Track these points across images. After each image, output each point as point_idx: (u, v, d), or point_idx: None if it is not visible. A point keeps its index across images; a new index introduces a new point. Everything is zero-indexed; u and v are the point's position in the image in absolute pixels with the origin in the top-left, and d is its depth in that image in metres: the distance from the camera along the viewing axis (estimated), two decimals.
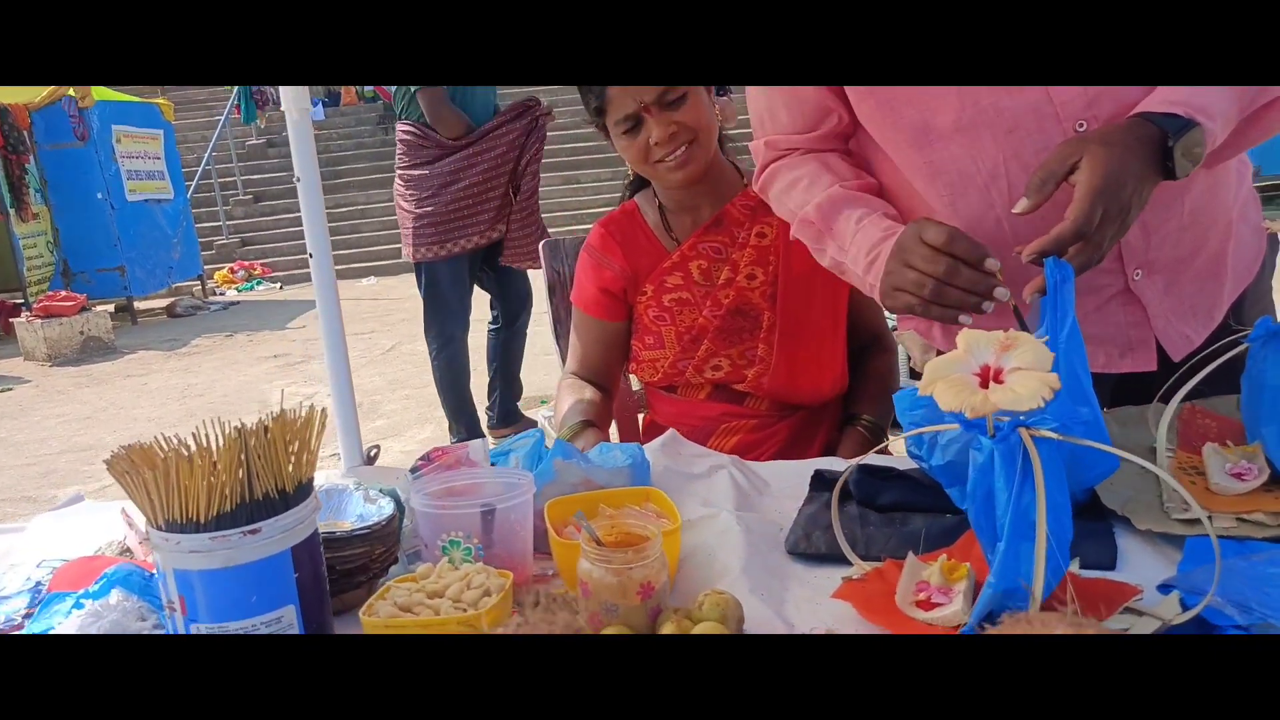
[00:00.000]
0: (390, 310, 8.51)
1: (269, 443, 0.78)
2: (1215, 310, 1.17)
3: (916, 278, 1.01)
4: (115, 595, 0.86)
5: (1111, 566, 0.90)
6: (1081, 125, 1.05)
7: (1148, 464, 0.78)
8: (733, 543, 0.99)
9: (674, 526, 0.95)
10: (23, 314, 7.38)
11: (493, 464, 1.08)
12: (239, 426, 0.76)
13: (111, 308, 8.89)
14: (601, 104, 1.41)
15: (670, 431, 1.31)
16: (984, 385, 0.74)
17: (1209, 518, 0.95)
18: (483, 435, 3.86)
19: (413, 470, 1.02)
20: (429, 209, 3.41)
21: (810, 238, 1.22)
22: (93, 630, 0.80)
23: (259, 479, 0.77)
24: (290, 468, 0.80)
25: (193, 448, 0.75)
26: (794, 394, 1.48)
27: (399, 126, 3.50)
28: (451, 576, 0.84)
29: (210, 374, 6.63)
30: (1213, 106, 0.95)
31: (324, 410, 0.84)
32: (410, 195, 3.46)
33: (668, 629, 0.80)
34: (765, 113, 1.28)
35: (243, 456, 0.76)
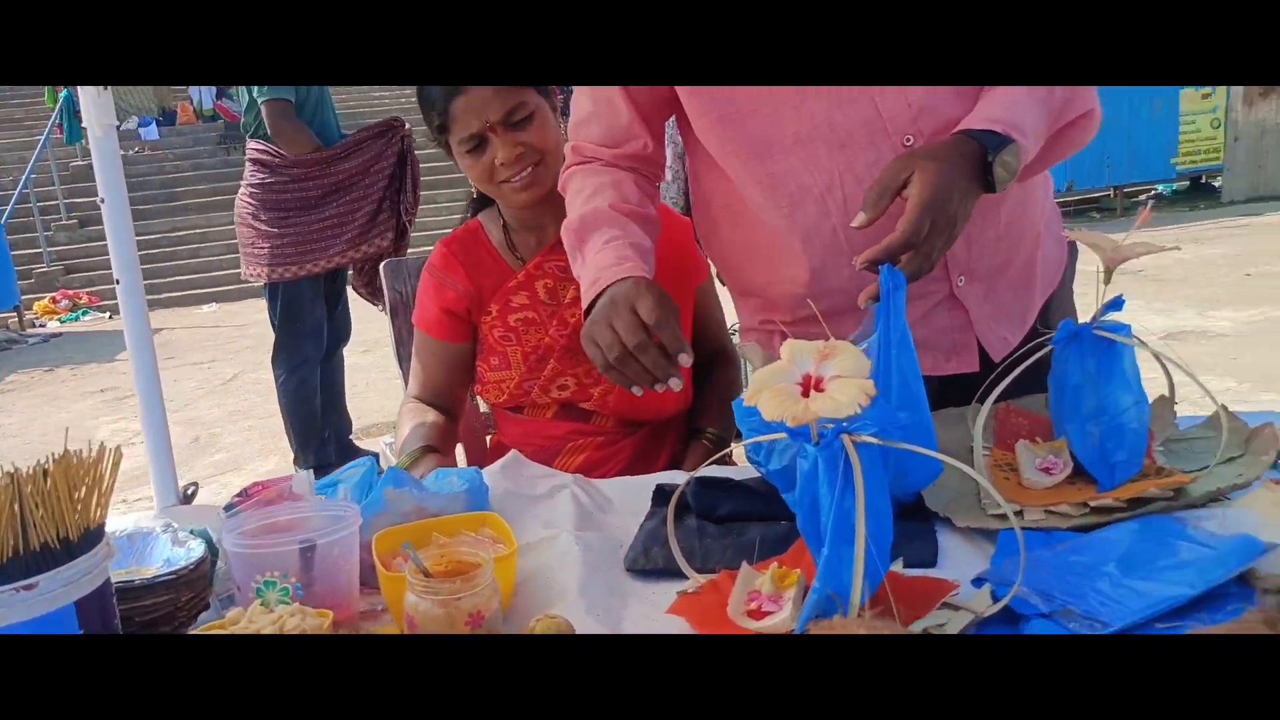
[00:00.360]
0: (232, 338, 8.09)
1: (49, 488, 0.71)
2: (1028, 314, 1.26)
3: (610, 340, 1.03)
4: None
5: (933, 564, 0.94)
6: (909, 140, 1.11)
7: (960, 464, 0.81)
8: (571, 563, 0.97)
9: (509, 551, 0.93)
10: None
11: (319, 496, 1.03)
12: (10, 472, 0.69)
13: None
14: (445, 122, 1.38)
15: (512, 453, 1.29)
16: (806, 394, 0.75)
17: (1018, 512, 1.00)
18: (331, 464, 3.71)
19: (227, 507, 0.96)
20: (293, 228, 3.32)
21: (568, 247, 1.23)
22: None
23: (36, 528, 0.69)
24: (76, 514, 0.73)
25: None
26: (639, 411, 1.48)
27: (251, 145, 3.40)
28: (263, 620, 0.78)
29: (26, 412, 6.11)
30: (1025, 124, 1.02)
31: (117, 448, 0.77)
32: (266, 215, 3.35)
33: None
34: (581, 118, 1.28)
35: (16, 506, 0.68)
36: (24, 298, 9.47)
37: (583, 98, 1.28)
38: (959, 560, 0.95)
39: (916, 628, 0.80)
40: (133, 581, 0.83)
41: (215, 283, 10.13)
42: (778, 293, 1.27)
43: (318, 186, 3.34)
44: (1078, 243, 1.25)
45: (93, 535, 0.74)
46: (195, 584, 0.88)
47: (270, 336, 3.63)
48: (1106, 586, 0.80)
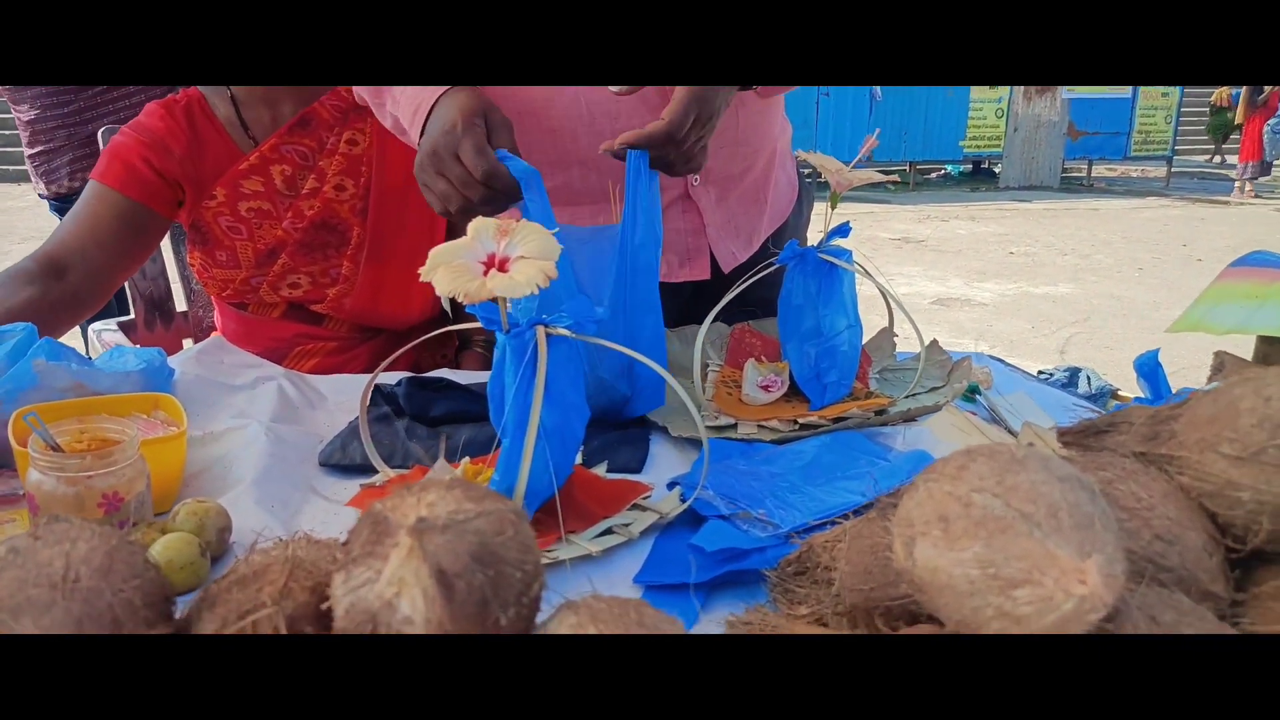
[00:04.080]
0: None
1: None
2: (755, 236, 1.28)
3: (446, 190, 0.95)
4: None
5: (638, 470, 0.93)
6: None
7: (662, 371, 0.80)
8: (255, 454, 0.89)
9: (177, 433, 0.83)
10: None
11: None
12: None
13: None
14: None
15: (213, 337, 1.17)
16: (487, 273, 0.71)
17: (733, 425, 1.01)
18: None
19: None
20: None
21: (371, 94, 1.13)
22: None
23: None
24: None
25: None
26: (377, 317, 1.39)
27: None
28: None
29: None
30: None
31: None
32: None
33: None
34: None
35: None
36: None
37: None
38: (666, 467, 0.94)
39: (603, 525, 0.78)
40: None
41: None
42: None
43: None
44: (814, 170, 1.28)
45: None
46: None
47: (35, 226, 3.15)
48: (786, 492, 0.81)
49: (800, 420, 1.01)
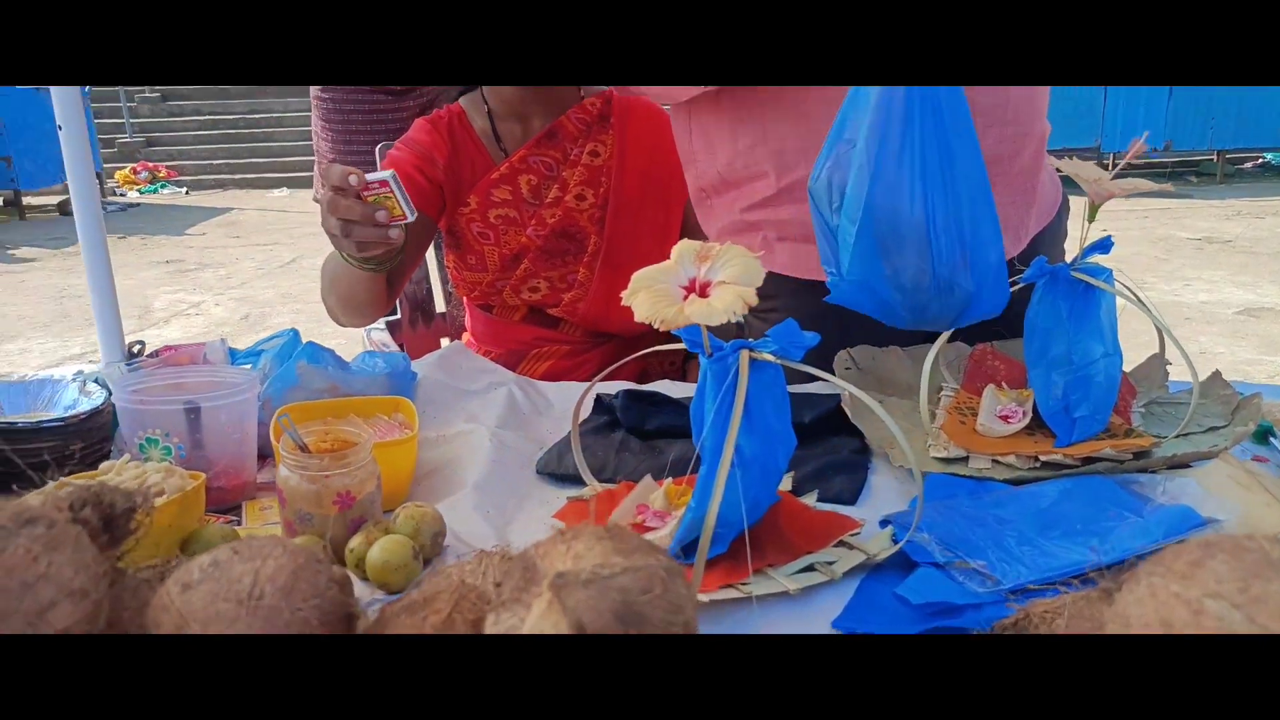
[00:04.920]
0: (299, 223, 8.22)
1: None
2: (1023, 232, 1.16)
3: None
4: None
5: (851, 502, 0.88)
6: None
7: (868, 400, 0.74)
8: (480, 459, 0.94)
9: (409, 437, 0.90)
10: None
11: (237, 363, 1.00)
12: None
13: None
14: None
15: (454, 344, 1.25)
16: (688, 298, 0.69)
17: (963, 458, 0.93)
18: None
19: (128, 362, 0.94)
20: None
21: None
22: None
23: None
24: None
25: None
26: (609, 322, 1.43)
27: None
28: (129, 474, 0.77)
29: None
30: None
31: None
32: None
33: (356, 540, 0.74)
34: None
35: None
36: (105, 166, 9.73)
37: None
38: (882, 501, 0.89)
39: (804, 561, 0.75)
40: (15, 424, 0.82)
41: (288, 168, 10.26)
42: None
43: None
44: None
45: None
46: (89, 433, 0.87)
47: None
48: (1013, 543, 0.73)
49: (1043, 458, 0.91)
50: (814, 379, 0.75)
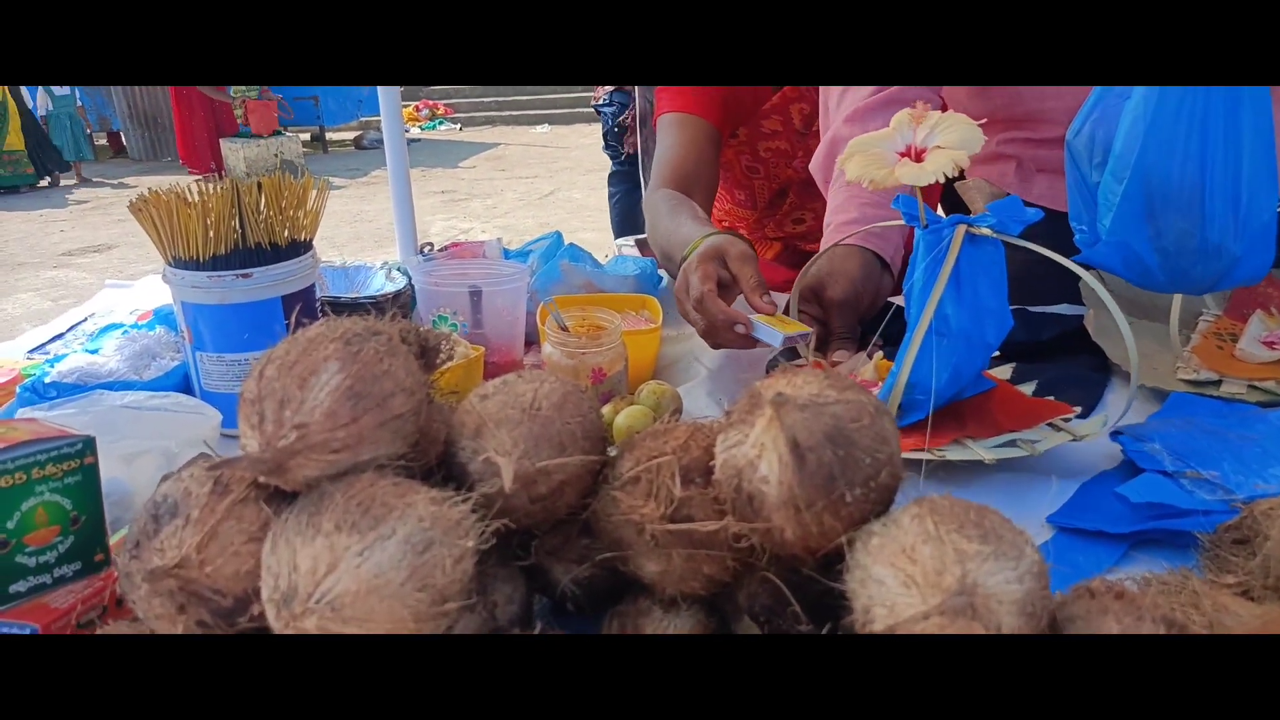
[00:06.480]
0: (556, 158, 8.67)
1: (264, 200, 0.86)
2: None
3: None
4: (159, 330, 0.99)
5: (1084, 416, 0.87)
6: None
7: (1110, 304, 0.74)
8: (715, 355, 1.02)
9: (653, 328, 0.99)
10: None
11: (510, 260, 1.14)
12: (234, 180, 0.85)
13: (306, 135, 9.46)
14: None
15: None
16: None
17: (1216, 381, 0.89)
18: None
19: (422, 253, 1.10)
20: None
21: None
22: (126, 352, 0.93)
23: (251, 230, 0.85)
24: (286, 227, 0.88)
25: (195, 196, 0.84)
26: None
27: None
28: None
29: (381, 203, 7.04)
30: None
31: (324, 180, 0.91)
32: None
33: (606, 409, 0.85)
34: None
35: (234, 209, 0.84)
36: None
37: None
38: (1119, 416, 0.87)
39: (1006, 437, 0.76)
40: (339, 298, 0.99)
41: (550, 104, 10.78)
42: None
43: None
44: None
45: (301, 246, 0.90)
46: (394, 309, 1.03)
47: (590, 160, 3.89)
48: (1255, 458, 0.71)
49: None
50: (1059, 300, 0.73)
